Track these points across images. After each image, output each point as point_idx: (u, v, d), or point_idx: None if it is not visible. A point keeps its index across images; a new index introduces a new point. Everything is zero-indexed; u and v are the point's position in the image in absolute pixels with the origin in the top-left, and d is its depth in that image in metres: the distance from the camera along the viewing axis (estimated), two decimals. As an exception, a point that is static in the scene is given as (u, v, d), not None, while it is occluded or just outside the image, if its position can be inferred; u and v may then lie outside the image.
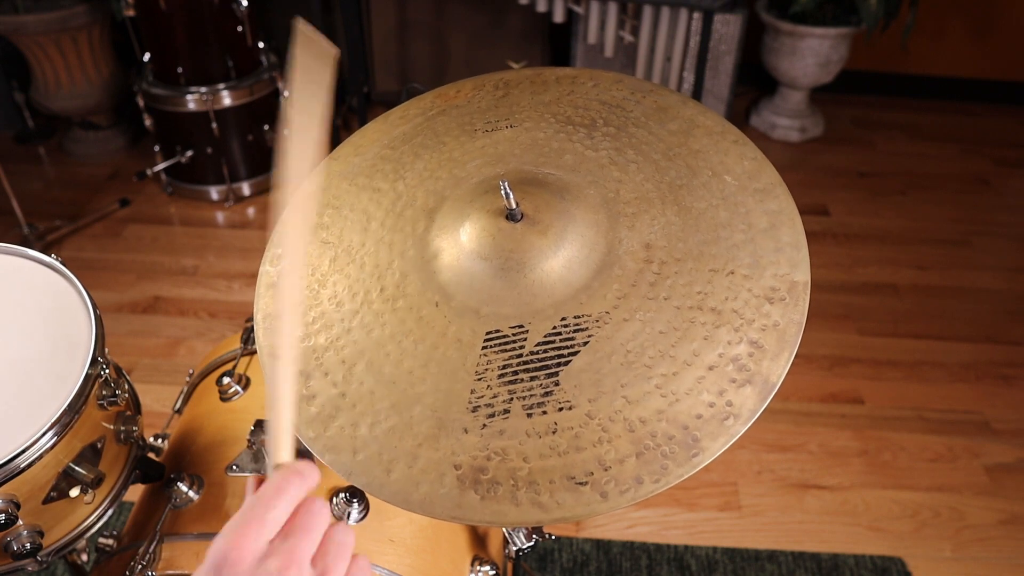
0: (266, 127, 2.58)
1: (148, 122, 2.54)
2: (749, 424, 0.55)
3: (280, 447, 0.47)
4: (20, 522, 0.70)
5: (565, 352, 0.60)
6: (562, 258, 0.64)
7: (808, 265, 0.61)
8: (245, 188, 2.65)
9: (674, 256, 0.63)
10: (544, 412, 0.58)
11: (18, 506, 0.68)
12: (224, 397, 0.98)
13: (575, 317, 0.61)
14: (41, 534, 0.72)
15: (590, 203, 0.67)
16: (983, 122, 3.15)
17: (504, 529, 0.95)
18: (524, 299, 0.63)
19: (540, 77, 0.81)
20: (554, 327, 0.61)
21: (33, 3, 2.51)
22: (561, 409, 0.58)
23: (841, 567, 1.54)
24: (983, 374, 1.99)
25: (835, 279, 2.31)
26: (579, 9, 2.53)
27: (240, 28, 2.42)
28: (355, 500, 0.83)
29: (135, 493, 0.95)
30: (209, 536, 0.82)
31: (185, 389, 1.10)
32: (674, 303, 0.61)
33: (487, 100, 0.80)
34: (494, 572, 0.93)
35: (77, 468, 0.73)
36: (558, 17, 2.54)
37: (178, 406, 1.08)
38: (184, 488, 0.86)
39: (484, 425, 0.58)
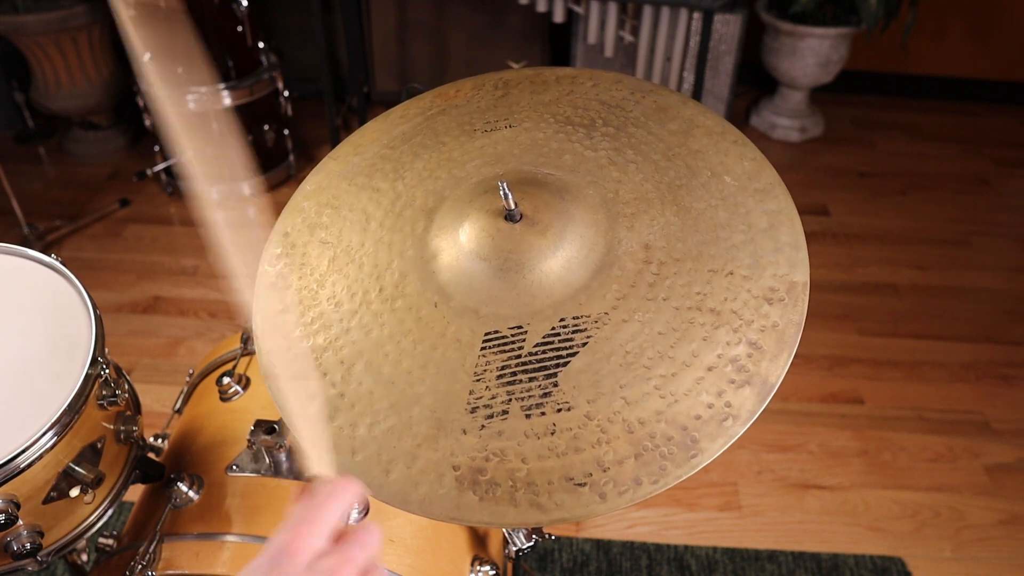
0: (266, 127, 2.58)
1: (148, 122, 2.53)
2: (748, 425, 0.55)
3: (318, 459, 0.49)
4: (20, 522, 0.70)
5: (564, 353, 0.60)
6: (561, 258, 0.64)
7: (807, 266, 0.61)
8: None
9: (673, 256, 0.63)
10: (543, 413, 0.58)
11: (18, 506, 0.68)
12: (224, 397, 0.98)
13: (574, 318, 0.61)
14: (41, 534, 0.72)
15: (589, 203, 0.67)
16: (983, 122, 3.14)
17: (504, 529, 0.95)
18: (523, 300, 0.63)
19: (540, 77, 0.81)
20: (553, 328, 0.61)
21: (33, 3, 2.51)
22: (560, 410, 0.58)
23: (841, 567, 1.54)
24: (983, 374, 1.99)
25: (835, 279, 2.31)
26: (579, 9, 2.53)
27: (240, 28, 2.42)
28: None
29: (135, 493, 0.95)
30: (209, 536, 0.82)
31: (185, 389, 1.10)
32: (673, 304, 0.61)
33: (487, 100, 0.80)
34: (494, 572, 0.93)
35: (77, 468, 0.73)
36: (558, 17, 2.54)
37: (178, 406, 1.08)
38: (184, 488, 0.86)
39: (483, 426, 0.58)
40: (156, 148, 2.59)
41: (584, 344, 0.60)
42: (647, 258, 0.64)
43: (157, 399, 1.87)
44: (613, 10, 2.47)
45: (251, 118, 2.53)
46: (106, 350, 0.77)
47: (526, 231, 0.65)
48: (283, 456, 0.88)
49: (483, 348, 0.62)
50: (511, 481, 0.56)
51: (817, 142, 3.00)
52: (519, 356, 0.61)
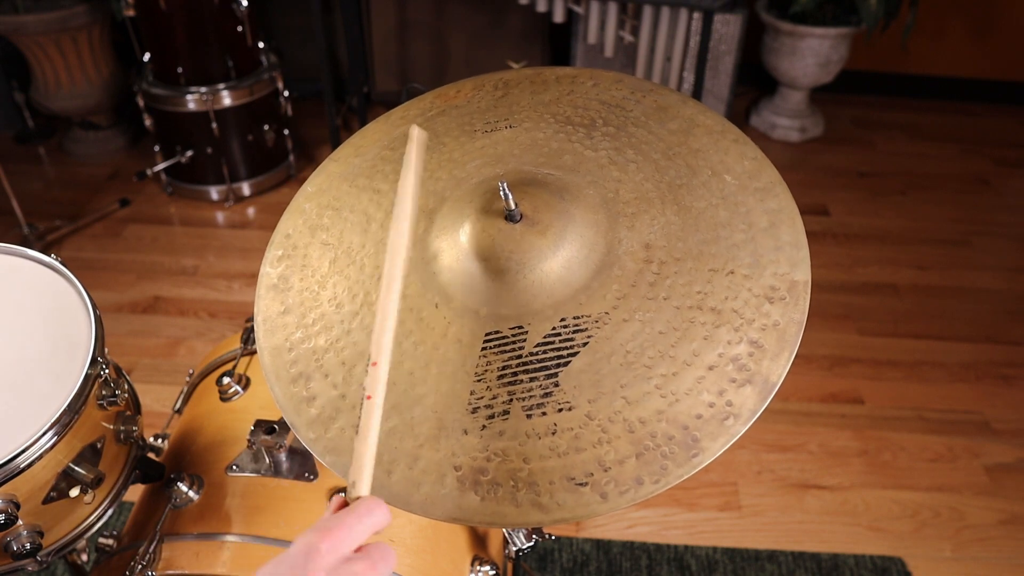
0: (266, 127, 2.58)
1: (148, 122, 2.54)
2: (749, 424, 0.55)
3: (363, 478, 0.50)
4: (20, 522, 0.70)
5: (564, 353, 0.60)
6: (561, 258, 0.64)
7: (808, 264, 0.61)
8: (245, 188, 2.65)
9: (674, 256, 0.63)
10: (544, 413, 0.58)
11: (18, 506, 0.68)
12: (224, 397, 0.98)
13: (574, 318, 0.61)
14: (41, 534, 0.72)
15: (589, 203, 0.67)
16: (983, 122, 3.15)
17: (504, 529, 0.95)
18: (523, 300, 0.63)
19: (540, 77, 0.81)
20: (553, 328, 0.61)
21: (33, 3, 2.51)
22: (561, 410, 0.58)
23: (841, 567, 1.54)
24: (983, 374, 1.99)
25: (835, 279, 2.31)
26: (579, 9, 2.53)
27: (240, 28, 2.42)
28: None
29: (135, 493, 0.95)
30: (209, 536, 0.82)
31: (185, 389, 1.10)
32: (674, 303, 0.61)
33: (487, 100, 0.80)
34: (494, 572, 0.93)
35: (77, 468, 0.73)
36: (558, 17, 2.54)
37: (178, 406, 1.08)
38: (184, 488, 0.86)
39: (484, 426, 0.58)
40: (156, 148, 2.60)
41: (585, 344, 0.60)
42: (648, 257, 0.63)
43: (157, 399, 1.87)
44: (613, 10, 2.47)
45: (251, 118, 2.53)
46: (106, 350, 0.77)
47: (526, 231, 0.65)
48: (283, 456, 0.88)
49: (484, 348, 0.62)
50: (512, 481, 0.56)
51: (817, 142, 3.00)
52: (520, 356, 0.60)
